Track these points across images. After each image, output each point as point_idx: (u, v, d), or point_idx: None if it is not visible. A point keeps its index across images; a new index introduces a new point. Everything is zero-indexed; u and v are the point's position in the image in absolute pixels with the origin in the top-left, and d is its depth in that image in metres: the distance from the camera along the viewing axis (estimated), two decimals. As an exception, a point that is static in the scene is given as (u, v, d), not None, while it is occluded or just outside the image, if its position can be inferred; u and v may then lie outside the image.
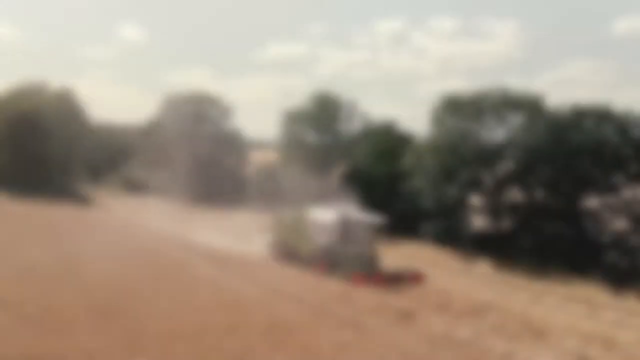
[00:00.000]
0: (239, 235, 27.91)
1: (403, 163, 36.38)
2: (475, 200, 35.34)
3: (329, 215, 20.93)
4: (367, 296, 16.15)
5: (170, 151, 54.88)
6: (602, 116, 29.31)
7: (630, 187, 29.10)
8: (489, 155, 32.70)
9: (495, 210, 34.11)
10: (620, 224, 29.41)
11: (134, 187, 59.30)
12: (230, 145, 52.90)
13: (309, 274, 19.33)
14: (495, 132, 33.50)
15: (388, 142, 41.04)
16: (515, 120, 32.91)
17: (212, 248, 24.15)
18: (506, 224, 33.03)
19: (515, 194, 32.76)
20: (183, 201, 48.88)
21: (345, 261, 19.75)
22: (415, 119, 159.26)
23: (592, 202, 30.55)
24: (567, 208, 30.68)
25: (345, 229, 20.39)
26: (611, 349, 13.30)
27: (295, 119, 44.97)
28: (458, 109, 33.54)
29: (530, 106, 32.34)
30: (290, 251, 22.06)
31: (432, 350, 11.18)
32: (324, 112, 43.47)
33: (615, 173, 28.76)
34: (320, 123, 43.42)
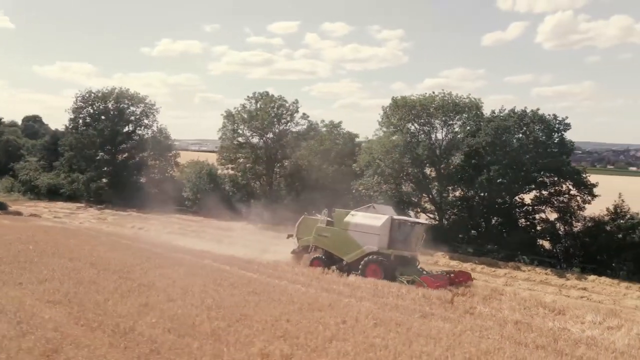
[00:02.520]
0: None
1: (358, 162, 37.77)
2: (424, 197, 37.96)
3: (375, 219, 20.60)
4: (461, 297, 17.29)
5: (88, 153, 50.58)
6: (534, 120, 33.32)
7: (556, 183, 33.50)
8: (437, 155, 35.39)
9: (440, 206, 36.92)
10: (550, 215, 33.77)
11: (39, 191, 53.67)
12: (157, 146, 50.16)
13: (373, 282, 18.11)
14: (441, 133, 36.22)
15: (334, 141, 42.16)
16: (460, 122, 35.93)
17: (247, 259, 22.24)
18: (451, 218, 35.98)
19: (461, 191, 35.79)
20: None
21: (398, 265, 19.74)
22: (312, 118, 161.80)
23: (527, 196, 34.70)
24: (506, 202, 34.49)
25: (394, 232, 20.30)
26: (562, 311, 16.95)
27: (235, 119, 44.12)
28: (407, 111, 35.65)
29: (472, 109, 35.54)
30: (329, 258, 21.20)
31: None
32: (264, 111, 43.19)
33: (546, 170, 32.88)
34: (261, 123, 43.01)
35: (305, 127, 43.88)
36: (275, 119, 43.46)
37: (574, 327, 14.62)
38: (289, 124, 43.85)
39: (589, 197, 32.67)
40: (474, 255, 32.13)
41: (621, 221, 30.64)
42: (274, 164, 44.10)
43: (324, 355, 9.26)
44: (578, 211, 32.65)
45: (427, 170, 36.55)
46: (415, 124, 36.16)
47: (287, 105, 43.15)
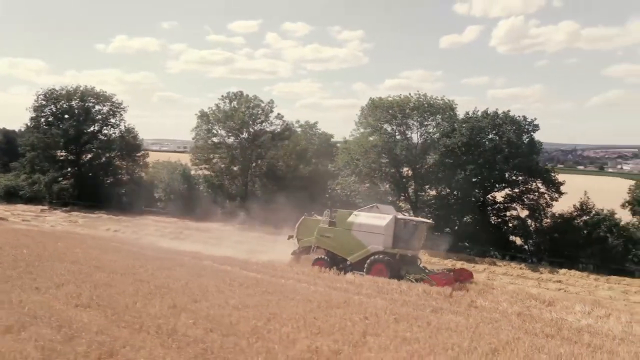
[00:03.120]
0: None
1: (336, 162, 38.25)
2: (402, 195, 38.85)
3: (379, 218, 20.88)
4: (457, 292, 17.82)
5: (51, 153, 48.62)
6: (506, 121, 34.81)
7: (526, 182, 35.14)
8: (414, 155, 36.34)
9: (416, 204, 37.91)
10: (521, 213, 35.37)
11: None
12: (125, 146, 48.78)
13: (373, 280, 18.44)
14: (416, 134, 37.20)
15: (309, 142, 42.48)
16: (434, 123, 37.01)
17: (243, 260, 21.90)
18: (427, 217, 36.99)
19: (436, 190, 36.91)
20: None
21: (402, 264, 20.16)
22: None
23: (499, 194, 36.21)
24: (479, 200, 35.87)
25: (398, 231, 20.62)
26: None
27: (210, 119, 43.61)
28: (384, 111, 36.41)
29: (446, 110, 36.69)
30: (332, 258, 21.33)
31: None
32: (239, 111, 42.91)
33: (517, 169, 34.44)
34: (237, 123, 42.71)
35: (280, 127, 43.86)
36: (250, 120, 43.24)
37: (569, 317, 15.59)
38: (263, 124, 43.74)
39: (557, 195, 34.51)
40: (450, 252, 33.23)
41: (587, 217, 32.55)
42: (249, 164, 43.87)
43: (367, 350, 9.57)
44: (547, 208, 34.39)
45: (404, 170, 37.47)
46: (392, 125, 37.01)
47: (262, 105, 43.04)
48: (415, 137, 36.98)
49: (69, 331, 8.85)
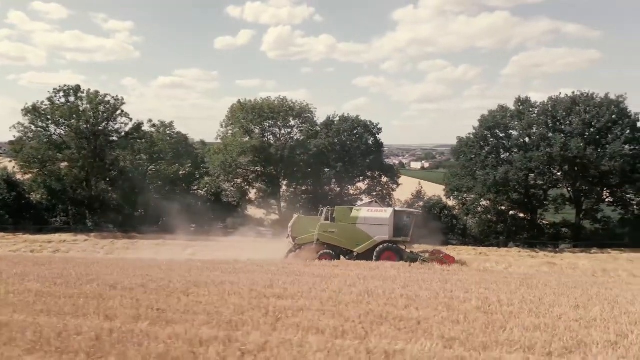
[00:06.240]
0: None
1: (212, 162, 38.14)
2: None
3: (381, 211, 23.13)
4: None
5: None
6: (359, 124, 40.73)
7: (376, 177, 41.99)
8: (286, 155, 39.06)
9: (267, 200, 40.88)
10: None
11: None
12: None
13: (394, 266, 19.78)
14: (284, 135, 40.10)
15: (166, 142, 40.56)
16: (296, 124, 40.52)
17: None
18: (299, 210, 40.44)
19: (306, 186, 40.55)
20: None
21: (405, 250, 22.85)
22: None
23: (352, 188, 42.04)
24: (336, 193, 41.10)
25: (397, 222, 22.79)
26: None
27: (40, 116, 37.25)
28: (257, 114, 38.18)
29: (305, 113, 40.55)
30: (336, 250, 22.75)
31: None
32: (76, 107, 37.92)
33: (371, 166, 40.85)
34: (77, 121, 37.71)
35: (130, 126, 40.46)
36: (93, 117, 38.68)
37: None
38: (109, 122, 39.66)
39: (395, 186, 42.29)
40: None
41: (422, 202, 41.03)
42: (93, 165, 39.19)
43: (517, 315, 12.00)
44: (392, 196, 41.82)
45: (275, 168, 39.90)
46: (262, 126, 39.04)
47: (110, 102, 38.96)
48: (282, 138, 39.76)
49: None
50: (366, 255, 22.44)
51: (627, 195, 37.76)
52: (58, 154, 37.17)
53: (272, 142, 38.93)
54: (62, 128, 37.82)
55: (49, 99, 37.82)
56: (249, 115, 38.10)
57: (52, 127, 37.72)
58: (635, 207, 37.89)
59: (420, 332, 8.96)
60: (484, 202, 38.37)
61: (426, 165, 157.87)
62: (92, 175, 38.77)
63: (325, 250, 22.80)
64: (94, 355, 7.04)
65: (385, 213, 23.30)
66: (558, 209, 39.37)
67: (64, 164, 37.98)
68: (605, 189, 37.59)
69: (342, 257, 22.94)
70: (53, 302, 10.25)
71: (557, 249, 36.51)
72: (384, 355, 7.46)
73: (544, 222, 39.51)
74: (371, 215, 23.14)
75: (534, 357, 7.66)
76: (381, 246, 22.49)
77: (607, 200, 38.18)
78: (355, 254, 22.80)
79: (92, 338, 7.78)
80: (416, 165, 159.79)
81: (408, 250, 23.66)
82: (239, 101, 39.07)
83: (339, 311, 10.44)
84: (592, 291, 14.94)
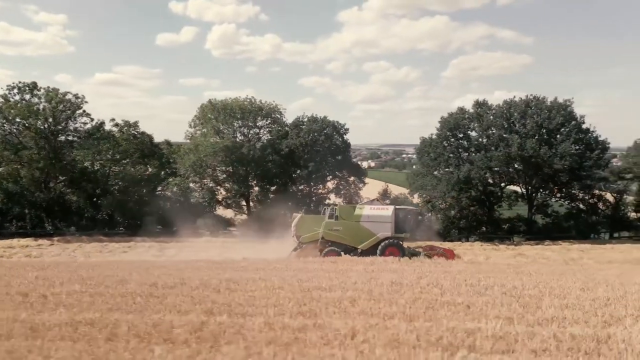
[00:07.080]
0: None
1: (183, 162, 37.52)
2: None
3: (383, 209, 24.11)
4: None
5: None
6: (328, 124, 41.58)
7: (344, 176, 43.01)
8: (257, 156, 39.20)
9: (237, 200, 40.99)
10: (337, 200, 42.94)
11: None
12: None
13: (399, 261, 20.32)
14: (255, 135, 40.22)
15: (131, 142, 39.41)
16: (266, 124, 40.78)
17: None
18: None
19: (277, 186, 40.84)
20: None
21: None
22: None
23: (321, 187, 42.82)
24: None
25: (398, 219, 23.68)
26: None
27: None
28: (227, 114, 38.07)
29: (275, 113, 40.91)
30: (340, 247, 23.27)
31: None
32: (31, 106, 36.14)
33: (339, 165, 41.81)
34: (35, 119, 35.94)
35: (90, 125, 38.98)
36: (52, 116, 36.99)
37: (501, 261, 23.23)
38: (69, 121, 38.06)
39: (361, 185, 43.54)
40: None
41: (389, 201, 42.60)
42: (54, 166, 37.44)
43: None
44: (358, 195, 43.01)
45: (247, 169, 39.90)
46: (233, 126, 38.98)
47: (71, 100, 37.38)
48: (252, 138, 39.87)
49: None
50: (369, 252, 23.16)
51: (573, 191, 41.14)
52: (12, 155, 35.15)
53: (243, 142, 38.88)
54: (18, 127, 35.84)
55: (2, 96, 35.81)
56: (220, 115, 37.93)
57: (7, 126, 35.67)
58: (579, 202, 41.42)
59: (476, 313, 9.88)
60: (447, 199, 40.46)
61: (372, 164, 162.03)
62: (51, 176, 37.04)
63: (331, 247, 23.44)
64: (214, 341, 7.34)
65: (387, 211, 24.32)
66: (511, 204, 42.39)
67: (20, 166, 35.95)
68: (555, 186, 40.75)
69: (341, 254, 23.32)
70: (113, 301, 10.23)
71: (514, 242, 39.18)
72: (466, 333, 8.31)
73: (500, 217, 42.20)
74: (374, 213, 24.01)
75: (590, 329, 8.75)
76: (384, 242, 23.34)
77: (557, 195, 41.35)
78: (359, 250, 23.48)
79: (190, 330, 8.04)
80: (362, 164, 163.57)
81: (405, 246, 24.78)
82: (209, 101, 38.81)
83: (389, 299, 11.17)
84: (578, 276, 16.61)
